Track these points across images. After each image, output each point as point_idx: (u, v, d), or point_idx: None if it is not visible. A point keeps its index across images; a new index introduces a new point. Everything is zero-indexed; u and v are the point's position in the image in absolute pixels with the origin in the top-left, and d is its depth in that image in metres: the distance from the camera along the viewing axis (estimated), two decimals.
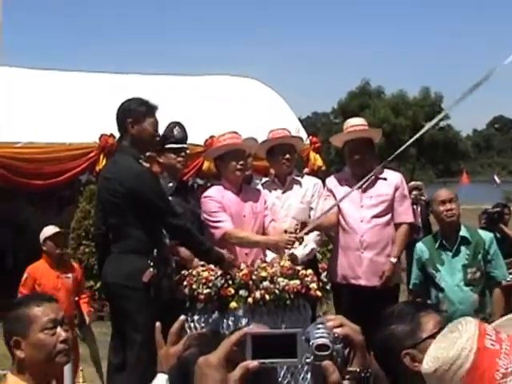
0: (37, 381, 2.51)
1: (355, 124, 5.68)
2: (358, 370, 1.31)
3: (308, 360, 1.28)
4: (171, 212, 4.57)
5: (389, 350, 2.34)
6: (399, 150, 4.48)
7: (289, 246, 4.93)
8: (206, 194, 5.20)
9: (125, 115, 4.59)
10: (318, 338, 1.29)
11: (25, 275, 6.43)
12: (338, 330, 1.30)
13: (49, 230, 6.49)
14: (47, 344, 2.52)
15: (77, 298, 6.55)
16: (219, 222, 4.98)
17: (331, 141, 6.07)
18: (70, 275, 6.55)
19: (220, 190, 5.14)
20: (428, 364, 1.80)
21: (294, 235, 4.98)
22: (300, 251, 5.11)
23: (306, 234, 5.12)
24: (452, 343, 1.76)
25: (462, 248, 5.03)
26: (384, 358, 2.30)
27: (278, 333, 1.31)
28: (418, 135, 4.95)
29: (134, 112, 4.57)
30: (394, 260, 5.38)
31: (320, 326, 1.32)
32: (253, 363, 1.25)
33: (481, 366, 1.68)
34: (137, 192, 4.39)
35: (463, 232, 5.05)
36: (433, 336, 2.19)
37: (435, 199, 5.17)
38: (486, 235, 5.18)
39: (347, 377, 1.30)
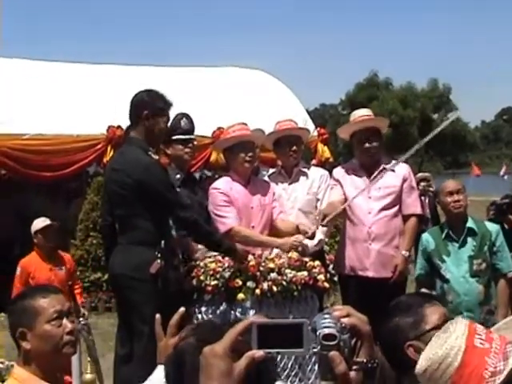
0: (43, 372, 2.51)
1: (362, 114, 5.69)
2: (365, 360, 1.31)
3: (315, 350, 1.27)
4: (180, 204, 4.57)
5: (393, 342, 2.35)
6: (412, 150, 4.48)
7: (293, 249, 4.92)
8: (214, 185, 5.18)
9: (142, 106, 4.56)
10: (324, 327, 1.29)
11: (18, 269, 6.44)
12: (345, 320, 1.30)
13: (39, 223, 6.47)
14: (54, 335, 2.51)
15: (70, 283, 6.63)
16: (225, 217, 4.95)
17: (338, 133, 6.06)
18: (62, 267, 6.57)
19: (228, 181, 5.12)
20: (420, 364, 1.81)
21: (300, 239, 4.97)
22: (309, 242, 5.09)
23: (324, 225, 5.12)
24: (442, 343, 1.80)
25: (469, 239, 5.00)
26: (389, 349, 2.30)
27: (284, 323, 1.30)
28: (429, 137, 4.95)
29: (153, 105, 4.56)
30: (406, 253, 5.38)
31: (327, 316, 1.31)
32: (259, 353, 1.25)
33: (469, 364, 1.71)
34: (145, 184, 4.38)
35: (470, 223, 5.03)
36: (436, 327, 2.20)
37: (442, 190, 5.15)
38: (493, 227, 5.16)
39: (354, 367, 1.29)
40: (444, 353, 1.77)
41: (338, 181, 5.56)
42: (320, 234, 5.29)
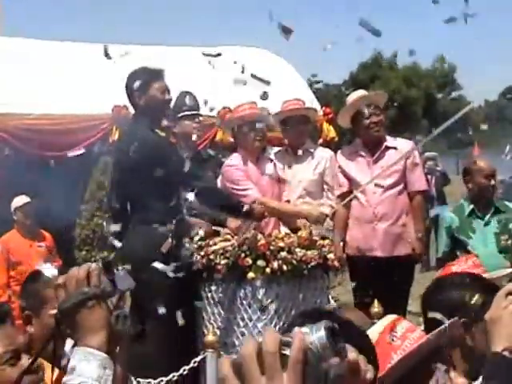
0: None
1: (357, 95, 5.65)
2: None
3: None
4: (195, 175, 4.55)
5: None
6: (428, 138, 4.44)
7: (321, 220, 4.93)
8: (228, 163, 5.17)
9: (131, 88, 4.56)
10: None
11: None
12: None
13: (19, 201, 6.63)
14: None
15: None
16: (247, 189, 4.97)
17: (338, 122, 6.04)
18: (42, 244, 6.69)
19: (241, 159, 5.12)
20: None
21: (325, 212, 4.98)
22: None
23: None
24: None
25: (494, 217, 5.05)
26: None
27: None
28: (441, 128, 4.93)
29: (140, 82, 4.53)
30: (419, 235, 5.38)
31: None
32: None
33: (377, 356, 1.88)
34: (155, 163, 4.33)
35: (495, 202, 5.10)
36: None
37: (479, 171, 5.13)
38: None
39: None
40: None
41: (341, 167, 5.55)
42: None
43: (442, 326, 2.03)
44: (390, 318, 2.05)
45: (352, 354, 1.03)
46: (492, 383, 1.91)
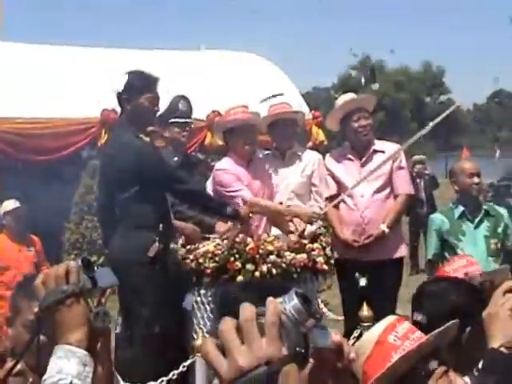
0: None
1: (345, 98, 5.64)
2: None
3: None
4: (178, 179, 4.54)
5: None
6: (413, 139, 4.48)
7: (312, 220, 4.90)
8: (219, 166, 5.13)
9: (122, 90, 4.53)
10: None
11: None
12: None
13: (8, 205, 6.63)
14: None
15: None
16: (239, 190, 4.91)
17: (327, 126, 6.04)
18: (31, 248, 6.69)
19: (231, 162, 5.09)
20: None
21: (318, 212, 4.95)
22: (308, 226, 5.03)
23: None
24: (365, 334, 2.10)
25: (484, 220, 5.07)
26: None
27: None
28: (429, 127, 4.93)
29: (130, 88, 4.50)
30: (383, 227, 5.34)
31: None
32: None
33: (377, 356, 1.96)
34: (139, 167, 4.34)
35: (485, 205, 5.11)
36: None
37: (463, 171, 5.14)
38: (503, 210, 5.24)
39: None
40: (360, 343, 2.04)
41: (329, 170, 5.55)
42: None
43: (442, 327, 2.03)
44: (392, 318, 2.06)
45: (336, 336, 1.10)
46: (490, 379, 1.93)
